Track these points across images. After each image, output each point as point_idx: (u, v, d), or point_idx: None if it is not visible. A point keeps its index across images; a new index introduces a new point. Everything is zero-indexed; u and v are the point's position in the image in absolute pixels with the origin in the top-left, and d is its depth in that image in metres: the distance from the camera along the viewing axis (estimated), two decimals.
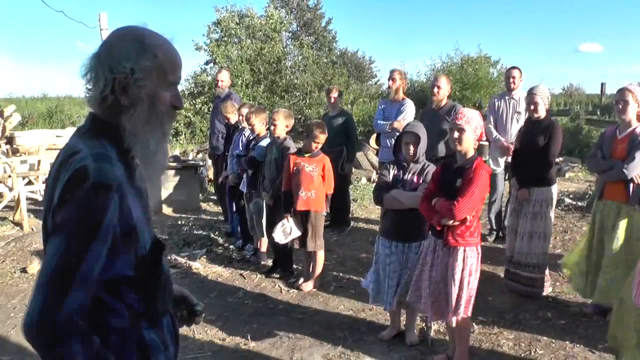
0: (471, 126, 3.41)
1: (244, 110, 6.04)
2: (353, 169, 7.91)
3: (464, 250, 3.42)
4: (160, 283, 1.56)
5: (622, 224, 4.15)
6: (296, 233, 5.19)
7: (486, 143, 6.45)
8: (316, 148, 5.16)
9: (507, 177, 6.41)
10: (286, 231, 5.17)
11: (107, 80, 1.43)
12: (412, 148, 3.90)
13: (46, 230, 1.39)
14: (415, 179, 3.91)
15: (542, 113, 4.79)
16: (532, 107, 4.81)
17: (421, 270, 3.65)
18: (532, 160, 4.76)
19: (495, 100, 6.40)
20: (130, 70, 1.42)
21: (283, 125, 5.34)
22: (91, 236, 1.30)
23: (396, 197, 3.90)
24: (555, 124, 4.90)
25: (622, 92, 4.19)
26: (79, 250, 1.28)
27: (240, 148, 6.09)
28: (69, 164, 1.35)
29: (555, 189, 4.88)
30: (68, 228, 1.28)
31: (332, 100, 7.18)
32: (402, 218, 3.89)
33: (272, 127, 5.37)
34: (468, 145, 3.42)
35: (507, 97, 6.28)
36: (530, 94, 4.82)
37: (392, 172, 4.04)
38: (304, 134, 5.53)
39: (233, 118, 6.52)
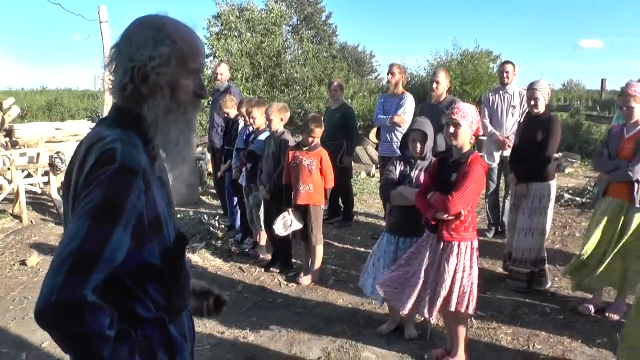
0: (467, 121, 3.41)
1: (244, 110, 6.02)
2: (352, 164, 7.91)
3: (459, 245, 3.43)
4: (181, 277, 1.55)
5: (624, 222, 4.17)
6: (297, 226, 5.19)
7: (484, 138, 6.45)
8: (312, 142, 5.16)
9: (502, 172, 6.42)
10: (287, 224, 5.18)
11: (127, 69, 1.41)
12: (419, 146, 3.91)
13: (68, 216, 1.37)
14: (422, 176, 3.91)
15: (542, 108, 4.79)
16: (532, 103, 4.80)
17: (413, 265, 3.65)
18: (530, 156, 4.76)
19: (490, 95, 6.41)
20: (148, 58, 1.40)
21: (278, 119, 5.34)
22: (115, 221, 1.26)
23: (403, 193, 3.91)
24: (554, 119, 4.90)
25: (624, 97, 4.19)
26: (103, 235, 1.25)
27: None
28: (95, 149, 1.33)
29: (554, 184, 4.88)
30: (92, 211, 1.25)
31: (333, 92, 7.20)
32: (409, 214, 3.89)
33: (267, 122, 5.40)
34: (464, 140, 3.42)
35: (501, 92, 6.28)
36: (531, 89, 4.82)
37: (399, 168, 4.04)
38: (302, 128, 5.54)
39: (232, 113, 6.51)
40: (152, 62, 1.40)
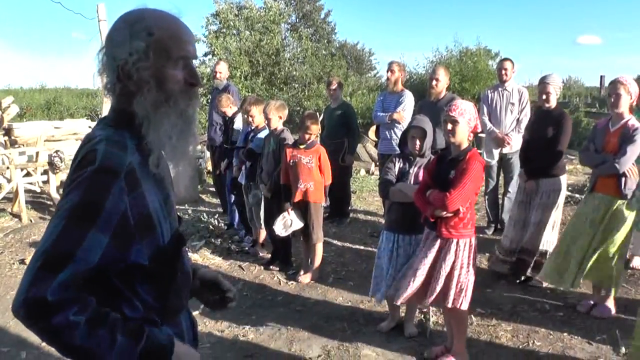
0: (465, 118, 3.40)
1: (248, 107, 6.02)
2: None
3: (457, 242, 3.43)
4: (176, 278, 1.52)
5: (611, 217, 4.18)
6: (297, 225, 5.20)
7: (483, 135, 6.46)
8: (309, 139, 5.15)
9: (502, 169, 6.43)
10: (287, 224, 5.18)
11: (113, 69, 1.42)
12: (418, 142, 3.90)
13: None
14: (421, 173, 3.91)
15: (553, 103, 4.77)
16: (544, 97, 4.76)
17: (412, 262, 3.68)
18: (541, 151, 4.74)
19: (489, 92, 6.39)
20: (128, 54, 1.39)
21: (276, 117, 5.33)
22: (91, 221, 1.26)
23: (402, 190, 3.90)
24: (565, 114, 4.87)
25: (614, 85, 4.16)
26: (77, 235, 1.24)
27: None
28: (83, 150, 1.35)
29: (564, 179, 4.86)
30: (68, 211, 1.25)
31: (332, 92, 7.19)
32: (408, 211, 3.88)
33: (266, 122, 5.39)
34: (462, 137, 3.43)
35: (500, 89, 6.27)
36: (543, 83, 4.78)
37: (398, 165, 4.04)
38: (298, 126, 5.53)
39: (229, 111, 6.51)
40: (131, 58, 1.39)
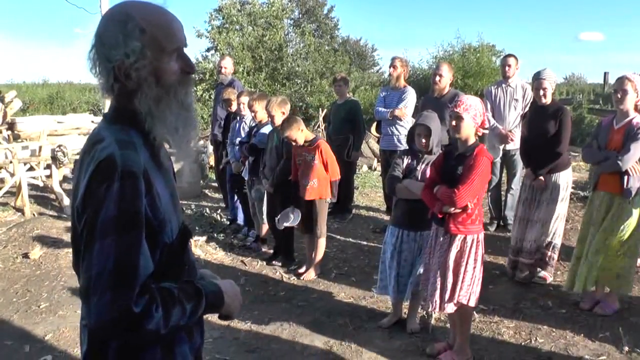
0: (470, 114, 3.38)
1: (244, 99, 6.02)
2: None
3: (465, 238, 3.43)
4: (184, 271, 1.54)
5: (613, 215, 4.16)
6: (297, 221, 5.21)
7: (486, 131, 6.43)
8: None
9: (504, 166, 6.41)
10: (288, 219, 5.19)
11: (108, 70, 1.40)
12: (424, 140, 3.90)
13: (74, 216, 1.37)
14: (428, 170, 3.89)
15: (549, 98, 4.74)
16: (540, 93, 4.73)
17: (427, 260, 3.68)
18: (544, 148, 4.71)
19: (492, 88, 6.37)
20: (123, 56, 1.37)
21: (279, 113, 5.32)
22: (136, 228, 1.30)
23: (409, 187, 3.90)
24: (564, 109, 4.84)
25: (621, 80, 4.12)
26: (131, 245, 1.29)
27: (242, 135, 6.07)
28: (93, 152, 1.34)
29: (570, 172, 4.84)
30: (112, 227, 1.27)
31: (337, 87, 7.23)
32: (414, 207, 3.87)
33: (270, 118, 5.40)
34: (467, 133, 3.40)
35: (503, 85, 6.25)
36: (538, 79, 4.74)
37: (406, 161, 4.03)
38: None
39: (235, 105, 6.49)
40: (128, 60, 1.37)
